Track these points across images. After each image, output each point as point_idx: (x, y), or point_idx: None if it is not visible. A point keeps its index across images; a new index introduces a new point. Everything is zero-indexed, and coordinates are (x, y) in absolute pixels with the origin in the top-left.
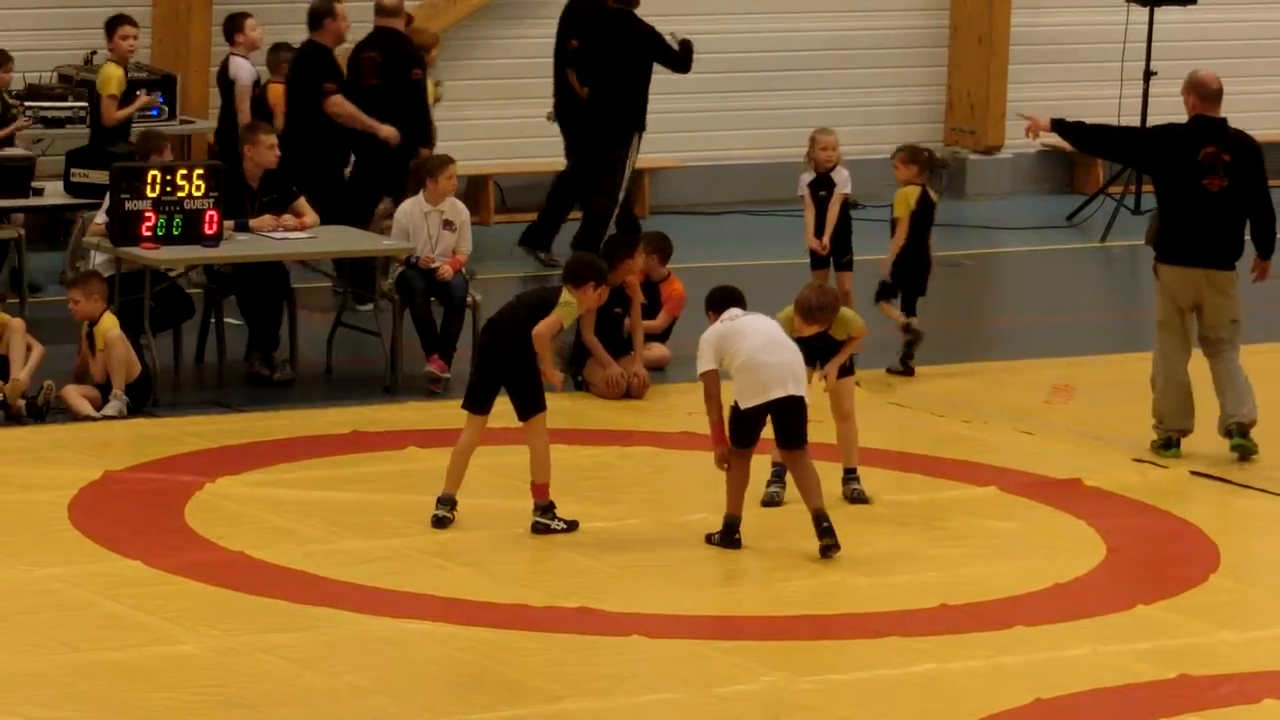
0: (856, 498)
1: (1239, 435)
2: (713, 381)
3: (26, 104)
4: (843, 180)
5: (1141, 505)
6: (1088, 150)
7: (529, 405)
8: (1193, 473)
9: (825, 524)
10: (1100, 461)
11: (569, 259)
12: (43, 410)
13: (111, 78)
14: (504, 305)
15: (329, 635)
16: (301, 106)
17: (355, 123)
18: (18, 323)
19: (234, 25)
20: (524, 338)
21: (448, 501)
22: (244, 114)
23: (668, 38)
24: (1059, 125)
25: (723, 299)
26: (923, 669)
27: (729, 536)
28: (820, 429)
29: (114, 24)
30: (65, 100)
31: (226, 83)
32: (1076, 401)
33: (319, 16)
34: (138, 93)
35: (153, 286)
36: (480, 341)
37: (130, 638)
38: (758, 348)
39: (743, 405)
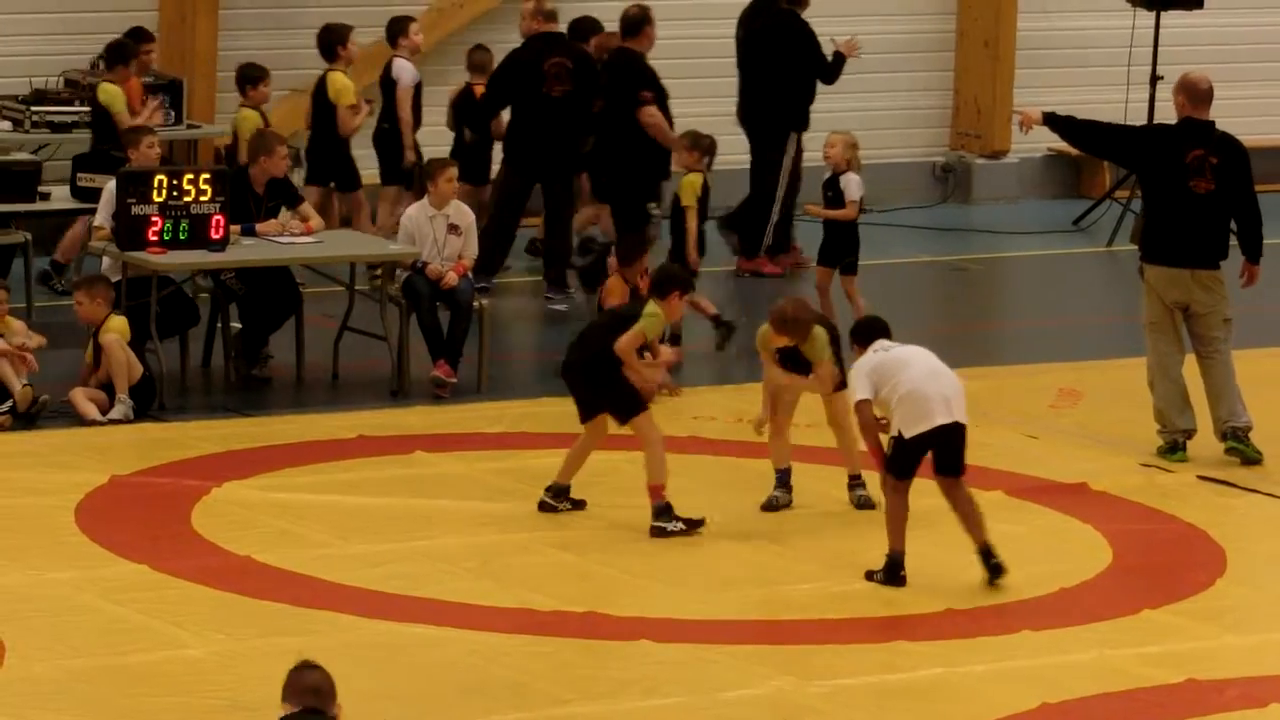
0: (863, 504)
1: (1234, 440)
2: (868, 409)
3: (33, 108)
4: (849, 186)
5: (1148, 509)
6: (1078, 145)
7: (624, 409)
8: (1199, 477)
9: (993, 560)
10: (1106, 465)
11: (654, 271)
12: (34, 415)
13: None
14: (592, 322)
15: (335, 639)
16: (615, 113)
17: (660, 134)
18: (18, 324)
19: (397, 28)
20: (603, 348)
21: (555, 490)
22: (405, 115)
23: (830, 42)
24: (1050, 119)
25: (870, 330)
26: (929, 673)
27: (894, 574)
28: (811, 433)
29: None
30: (72, 105)
31: (389, 83)
32: (1083, 405)
33: (639, 24)
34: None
35: (159, 291)
36: (566, 359)
37: (137, 642)
38: (921, 376)
39: (907, 434)
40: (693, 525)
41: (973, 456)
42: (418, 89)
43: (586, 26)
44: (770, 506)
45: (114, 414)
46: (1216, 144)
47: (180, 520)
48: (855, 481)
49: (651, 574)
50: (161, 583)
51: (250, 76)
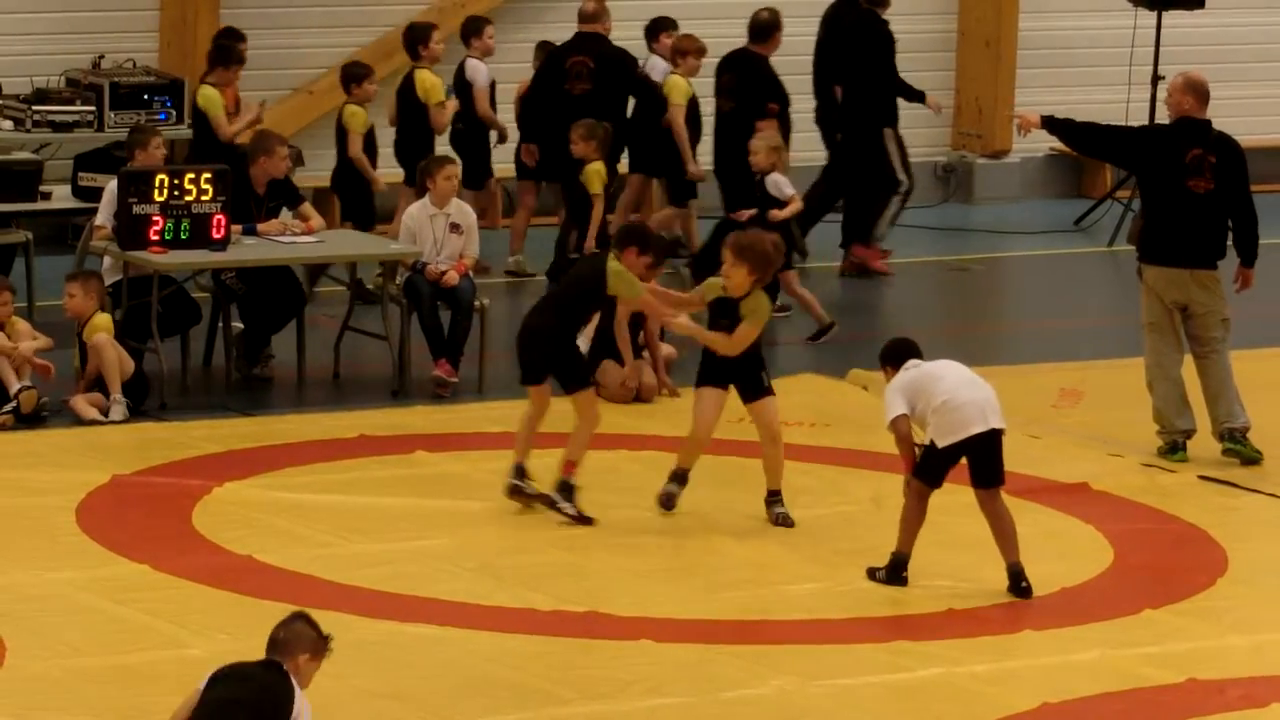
0: (781, 521)
1: (1230, 440)
2: (905, 424)
3: (34, 108)
4: (778, 186)
5: (1149, 509)
6: (1077, 148)
7: (570, 380)
8: (1201, 477)
9: (1024, 583)
10: (1108, 465)
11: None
12: (40, 417)
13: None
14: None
15: (337, 639)
16: (739, 117)
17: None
18: (24, 325)
19: (472, 29)
20: (556, 313)
21: (516, 470)
22: (485, 114)
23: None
24: (1049, 122)
25: (901, 351)
26: (931, 673)
27: (896, 574)
28: (811, 432)
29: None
30: (73, 104)
31: (463, 84)
32: (1084, 406)
33: (769, 29)
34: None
35: (160, 291)
36: (524, 323)
37: (138, 641)
38: (955, 386)
39: (940, 443)
40: (581, 520)
41: None
42: (491, 89)
43: (660, 26)
44: (666, 503)
45: (113, 414)
46: (1214, 143)
47: (181, 520)
48: (773, 498)
49: (652, 573)
50: (163, 582)
51: (355, 74)
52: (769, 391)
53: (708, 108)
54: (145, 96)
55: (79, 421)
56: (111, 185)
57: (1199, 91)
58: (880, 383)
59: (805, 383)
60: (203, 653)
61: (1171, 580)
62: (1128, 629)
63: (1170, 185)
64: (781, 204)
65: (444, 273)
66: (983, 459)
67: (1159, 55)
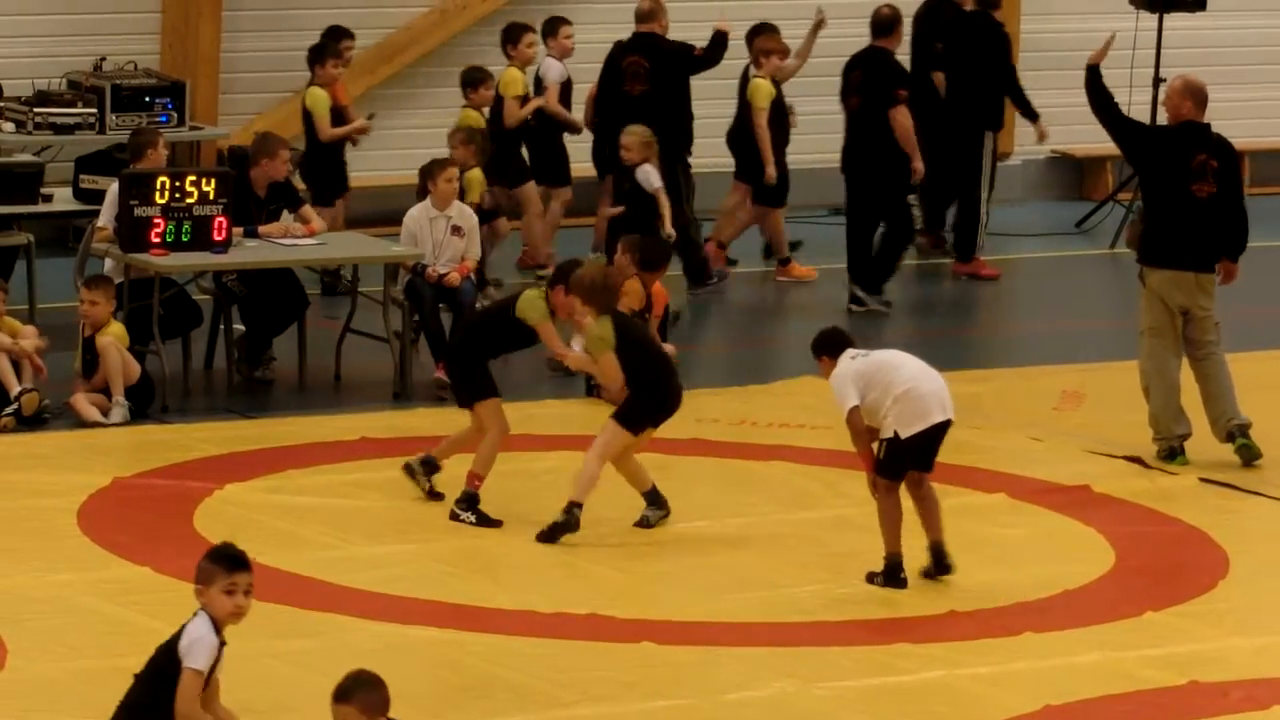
0: (643, 524)
1: (1240, 436)
2: (859, 418)
3: (36, 110)
4: (649, 178)
5: (1150, 511)
6: (1098, 109)
7: (468, 395)
8: (1201, 479)
9: (945, 560)
10: (1109, 468)
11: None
12: (42, 419)
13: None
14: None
15: (337, 641)
16: (868, 113)
17: (905, 138)
18: (29, 329)
19: (550, 30)
20: (467, 331)
21: (425, 459)
22: (555, 110)
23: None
24: (1092, 73)
25: (839, 341)
26: (932, 676)
27: (894, 576)
28: (808, 434)
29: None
30: (75, 106)
31: (538, 83)
32: (1086, 408)
33: (891, 24)
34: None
35: (161, 293)
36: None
37: (139, 644)
38: (916, 376)
39: (904, 434)
40: (487, 522)
41: (975, 459)
42: (566, 87)
43: (759, 29)
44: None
45: (113, 416)
46: (1215, 147)
47: (182, 522)
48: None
49: (653, 576)
50: (164, 585)
51: (473, 79)
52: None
53: (816, 106)
54: (146, 99)
55: (80, 423)
56: (113, 187)
57: (1197, 95)
58: None
59: (805, 385)
60: None
61: (1173, 582)
62: (1129, 631)
63: (1175, 189)
64: (651, 196)
65: (444, 275)
66: (930, 447)
67: (1160, 57)
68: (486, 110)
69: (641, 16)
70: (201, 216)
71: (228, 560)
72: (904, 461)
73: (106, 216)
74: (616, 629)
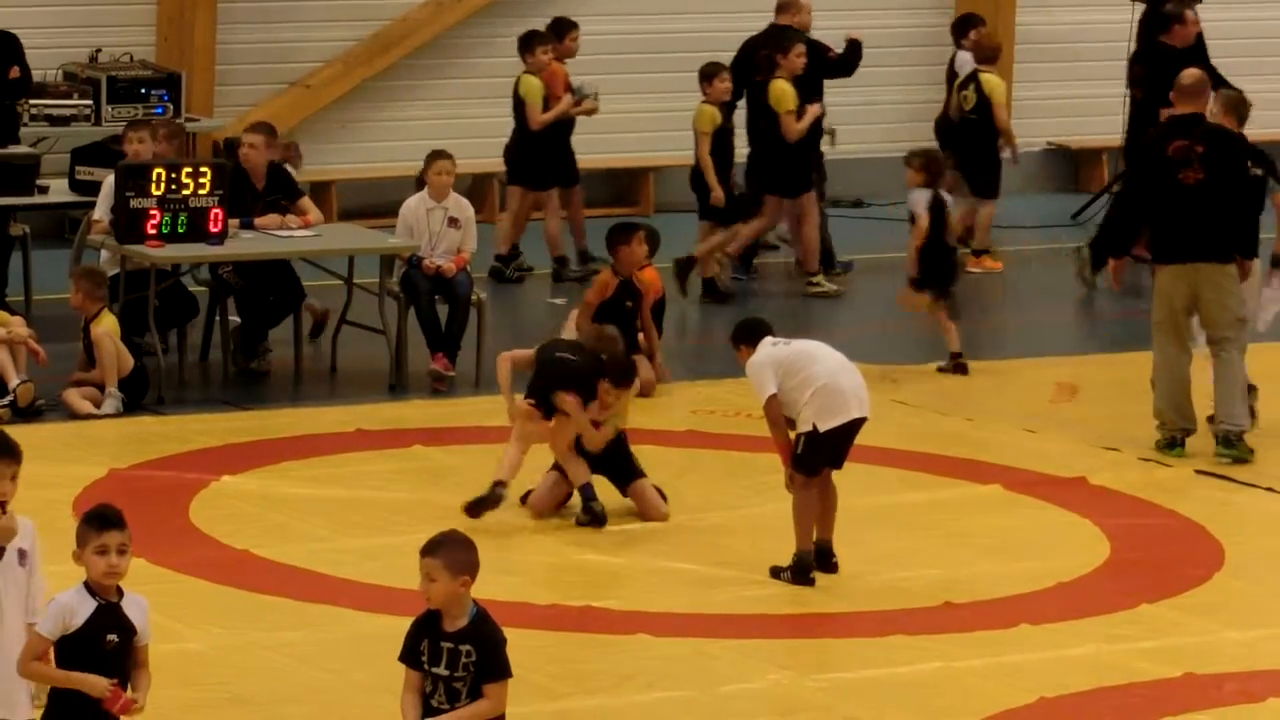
0: (585, 522)
1: (1223, 445)
2: (777, 406)
3: (32, 102)
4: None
5: (1146, 504)
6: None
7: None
8: (1197, 471)
9: (833, 559)
10: (1104, 460)
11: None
12: (36, 411)
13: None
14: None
15: (334, 633)
16: (1147, 107)
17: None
18: (16, 319)
19: (965, 27)
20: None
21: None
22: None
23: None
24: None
25: (758, 329)
26: (927, 667)
27: (803, 574)
28: None
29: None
30: (70, 98)
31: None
32: (1081, 400)
33: (1169, 20)
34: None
35: (157, 285)
36: None
37: None
38: (835, 370)
39: (823, 427)
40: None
41: (970, 450)
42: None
43: (971, 22)
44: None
45: (105, 408)
46: (1203, 134)
47: (178, 514)
48: (585, 492)
49: (649, 567)
50: (160, 576)
51: (709, 73)
52: (641, 474)
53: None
54: (142, 90)
55: (74, 416)
56: (109, 180)
57: (1175, 87)
58: (875, 377)
59: None
60: (200, 646)
61: (1168, 575)
62: (1124, 623)
63: (1162, 181)
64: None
65: (440, 266)
66: (844, 442)
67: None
68: (721, 105)
69: (780, 8)
70: (197, 208)
71: (97, 520)
72: (821, 456)
73: (102, 209)
74: (612, 621)
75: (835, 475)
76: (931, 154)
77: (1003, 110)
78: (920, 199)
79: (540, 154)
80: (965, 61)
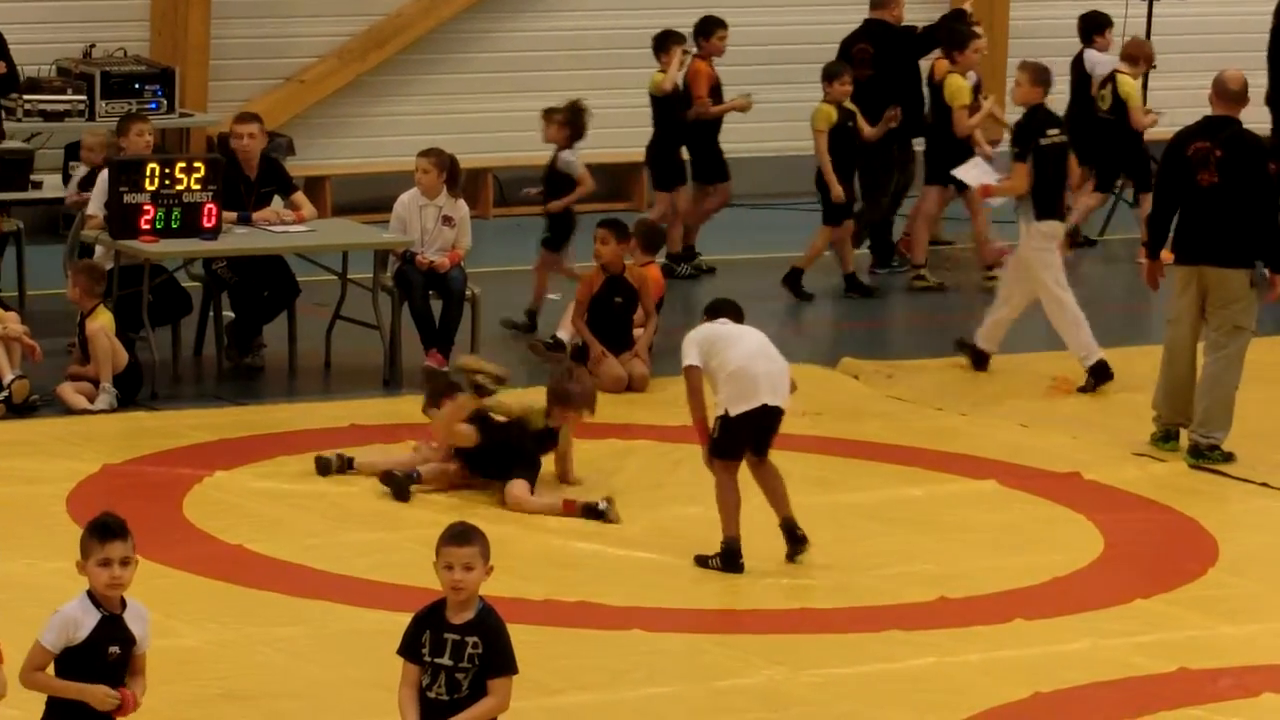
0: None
1: (1191, 455)
2: (697, 375)
3: (25, 97)
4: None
5: (1140, 499)
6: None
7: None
8: (1192, 466)
9: (798, 533)
10: (1099, 455)
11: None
12: (31, 406)
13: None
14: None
15: (328, 628)
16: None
17: None
18: (11, 315)
19: (1094, 26)
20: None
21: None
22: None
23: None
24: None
25: (719, 308)
26: (922, 662)
27: (731, 561)
28: (806, 423)
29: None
30: (64, 93)
31: (1083, 76)
32: (1076, 395)
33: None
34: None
35: (151, 280)
36: None
37: None
38: (750, 355)
39: (733, 412)
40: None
41: (965, 446)
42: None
43: (1098, 21)
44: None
45: (99, 403)
46: (1226, 139)
47: (172, 509)
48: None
49: (644, 563)
50: (154, 572)
51: (831, 74)
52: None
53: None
54: (136, 86)
55: (68, 411)
56: (102, 175)
57: (1218, 87)
58: (871, 372)
59: (796, 372)
60: (194, 642)
61: (1162, 569)
62: (1119, 618)
63: (1181, 182)
64: (571, 182)
65: (432, 262)
66: (762, 431)
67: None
68: (844, 102)
69: (874, 3)
70: (191, 203)
71: (100, 531)
72: (737, 441)
73: (96, 204)
74: (607, 616)
75: (835, 469)
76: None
77: (1139, 112)
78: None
79: (682, 150)
80: (1095, 60)
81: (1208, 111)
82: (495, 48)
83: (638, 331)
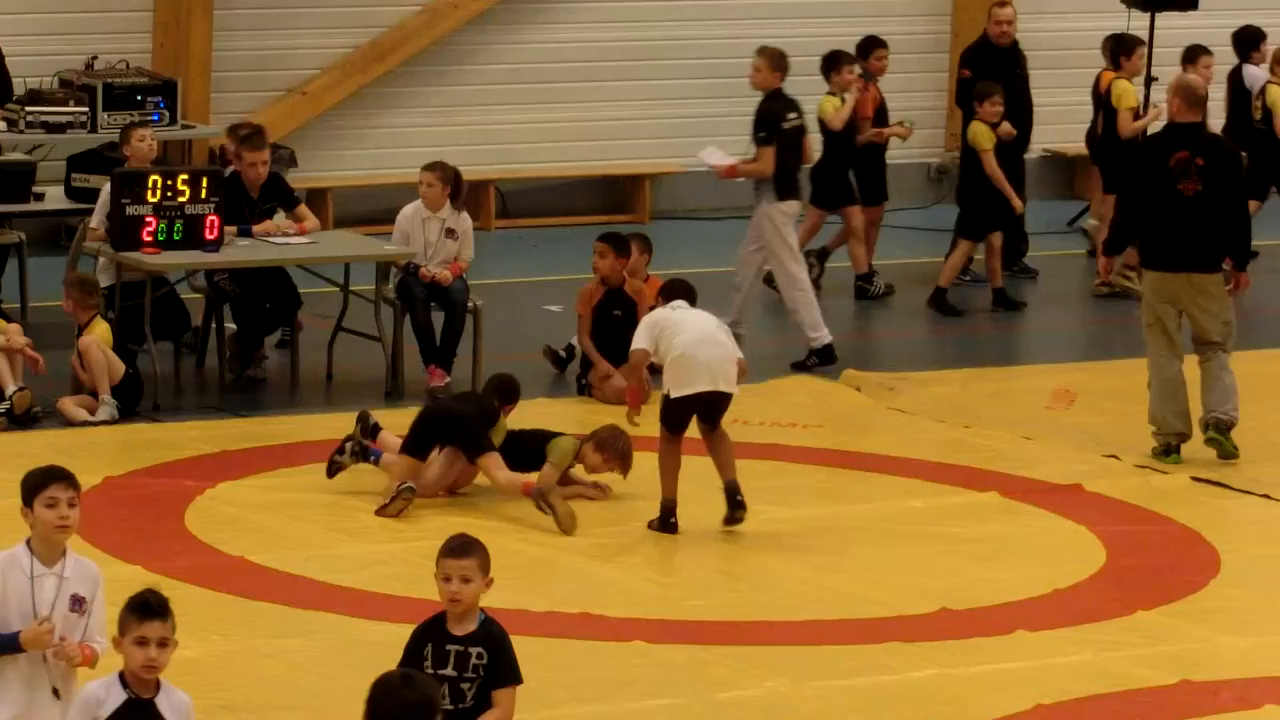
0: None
1: (1215, 430)
2: (641, 356)
3: (28, 109)
4: None
5: (1142, 511)
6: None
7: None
8: (1193, 478)
9: (738, 497)
10: (1101, 467)
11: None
12: (32, 418)
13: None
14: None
15: (329, 640)
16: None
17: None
18: (14, 327)
19: (1250, 42)
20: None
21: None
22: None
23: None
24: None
25: (674, 290)
26: (924, 674)
27: (666, 521)
28: (803, 434)
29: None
30: (66, 105)
31: (1242, 91)
32: (1078, 407)
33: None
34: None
35: (153, 292)
36: None
37: None
38: (691, 342)
39: (673, 394)
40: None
41: (967, 457)
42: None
43: (1255, 35)
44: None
45: (100, 415)
46: (1204, 146)
47: (174, 521)
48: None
49: (646, 574)
50: (155, 583)
51: (984, 94)
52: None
53: None
54: (138, 97)
55: (69, 423)
56: (105, 187)
57: (1186, 94)
58: (872, 384)
59: (798, 384)
60: (196, 654)
61: (1164, 582)
62: (1121, 630)
63: (1160, 190)
64: None
65: (435, 275)
66: (710, 411)
67: (1152, 57)
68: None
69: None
70: (193, 215)
71: (139, 608)
72: (679, 418)
73: (98, 217)
74: (608, 627)
75: (837, 481)
76: None
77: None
78: None
79: (865, 170)
80: (1254, 76)
81: None
82: (497, 60)
83: None
